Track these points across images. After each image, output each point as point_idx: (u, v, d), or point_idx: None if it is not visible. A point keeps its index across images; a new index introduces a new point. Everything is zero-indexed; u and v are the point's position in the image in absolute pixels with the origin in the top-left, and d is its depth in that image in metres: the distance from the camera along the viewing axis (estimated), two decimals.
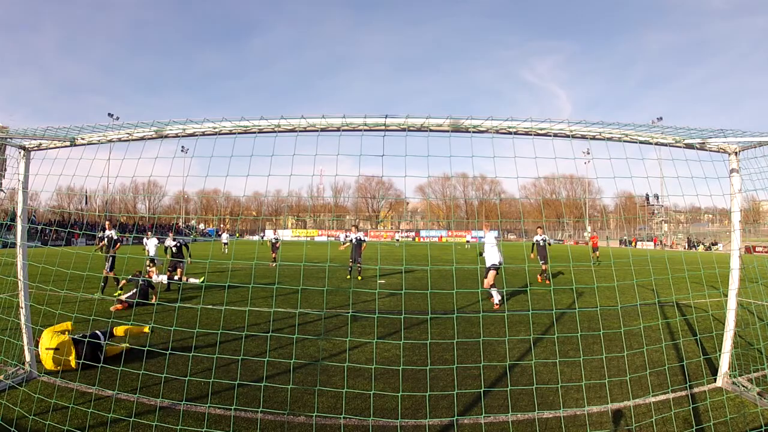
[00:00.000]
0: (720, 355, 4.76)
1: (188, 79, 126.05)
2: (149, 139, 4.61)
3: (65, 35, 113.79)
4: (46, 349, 5.06)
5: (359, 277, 13.83)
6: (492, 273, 9.28)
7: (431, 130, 4.25)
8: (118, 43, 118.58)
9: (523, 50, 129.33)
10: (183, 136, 4.57)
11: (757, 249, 40.86)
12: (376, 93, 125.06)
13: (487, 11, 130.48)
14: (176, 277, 11.80)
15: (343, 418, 3.95)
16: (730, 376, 4.82)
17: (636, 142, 4.45)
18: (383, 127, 4.25)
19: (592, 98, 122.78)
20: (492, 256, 9.37)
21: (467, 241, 53.85)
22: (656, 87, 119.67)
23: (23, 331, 4.88)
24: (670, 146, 4.68)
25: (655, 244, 57.00)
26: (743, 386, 4.75)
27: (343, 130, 4.27)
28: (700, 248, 51.63)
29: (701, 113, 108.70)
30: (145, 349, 4.72)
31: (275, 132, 4.33)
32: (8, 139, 4.78)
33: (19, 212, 4.90)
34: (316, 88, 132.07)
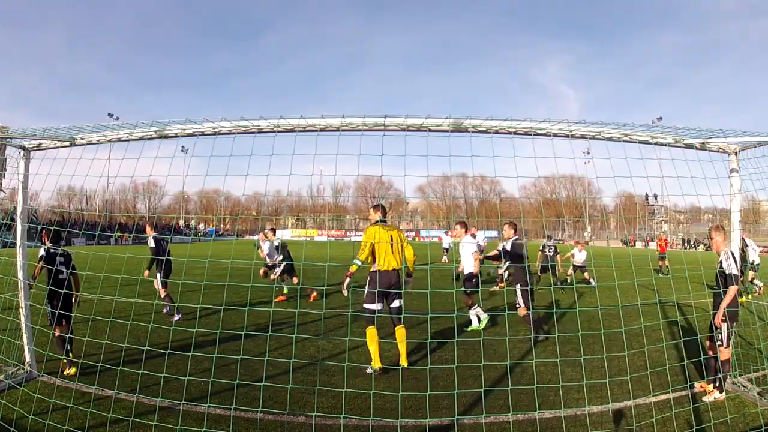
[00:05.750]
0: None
1: (197, 78, 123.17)
2: (149, 139, 4.60)
3: (70, 32, 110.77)
4: None
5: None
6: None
7: (431, 130, 4.24)
8: (124, 41, 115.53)
9: (535, 50, 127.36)
10: (183, 136, 4.56)
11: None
12: (388, 92, 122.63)
13: (503, 10, 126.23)
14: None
15: (344, 418, 3.94)
16: (730, 375, 4.82)
17: (635, 142, 4.43)
18: (383, 127, 4.25)
19: (601, 99, 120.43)
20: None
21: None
22: (663, 88, 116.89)
23: (23, 331, 4.88)
24: (670, 146, 4.67)
25: (647, 243, 55.99)
26: (743, 386, 4.76)
27: (343, 130, 4.26)
28: (701, 248, 51.50)
29: (710, 114, 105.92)
30: (144, 348, 4.71)
31: (275, 132, 4.33)
32: (8, 139, 4.79)
33: (18, 212, 4.89)
34: (327, 87, 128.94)
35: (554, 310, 6.38)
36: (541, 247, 13.76)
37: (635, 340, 6.23)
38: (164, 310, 8.75)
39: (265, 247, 11.37)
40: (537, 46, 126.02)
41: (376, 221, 5.80)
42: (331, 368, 5.35)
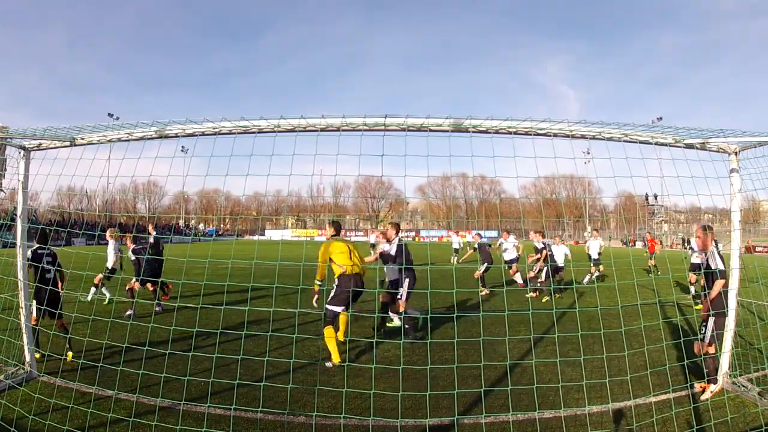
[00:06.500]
0: (720, 354, 4.76)
1: (197, 78, 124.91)
2: (149, 139, 4.58)
3: (70, 32, 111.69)
4: None
5: None
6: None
7: (431, 130, 4.22)
8: (124, 41, 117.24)
9: (535, 50, 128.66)
10: (183, 136, 4.54)
11: (757, 249, 40.73)
12: (388, 92, 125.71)
13: (503, 10, 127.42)
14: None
15: (344, 418, 3.95)
16: (730, 375, 4.82)
17: (636, 142, 4.41)
18: (383, 127, 4.24)
19: (601, 99, 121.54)
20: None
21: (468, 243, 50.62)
22: (663, 88, 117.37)
23: (23, 331, 4.89)
24: (670, 146, 4.66)
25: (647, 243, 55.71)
26: (743, 386, 4.75)
27: (343, 130, 4.25)
28: None
29: (710, 114, 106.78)
30: (145, 348, 4.73)
31: (275, 132, 4.31)
32: (8, 139, 4.77)
33: (19, 212, 4.90)
34: (327, 87, 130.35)
35: (554, 309, 6.38)
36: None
37: (635, 340, 6.22)
38: (157, 308, 8.87)
39: (111, 247, 10.15)
40: (537, 46, 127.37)
41: (332, 236, 6.20)
42: (330, 368, 5.36)
